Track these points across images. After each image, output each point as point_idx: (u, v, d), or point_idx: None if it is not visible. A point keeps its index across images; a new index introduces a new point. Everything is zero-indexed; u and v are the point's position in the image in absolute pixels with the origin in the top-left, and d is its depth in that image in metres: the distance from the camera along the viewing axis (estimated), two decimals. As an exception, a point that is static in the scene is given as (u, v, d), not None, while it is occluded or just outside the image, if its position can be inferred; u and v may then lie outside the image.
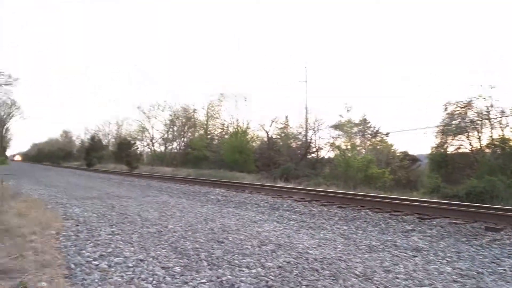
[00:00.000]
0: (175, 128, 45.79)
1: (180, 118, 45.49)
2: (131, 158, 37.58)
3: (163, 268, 3.58)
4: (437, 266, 3.89)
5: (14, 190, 10.91)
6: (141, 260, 3.81)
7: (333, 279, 3.36)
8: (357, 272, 3.60)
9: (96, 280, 3.09)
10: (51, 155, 73.87)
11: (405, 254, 4.39)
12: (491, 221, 5.79)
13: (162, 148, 47.24)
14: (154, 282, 3.15)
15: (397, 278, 3.47)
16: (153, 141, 47.77)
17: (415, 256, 4.31)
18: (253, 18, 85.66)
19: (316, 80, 54.40)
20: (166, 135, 46.19)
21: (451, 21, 58.53)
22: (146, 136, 48.39)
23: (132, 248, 4.32)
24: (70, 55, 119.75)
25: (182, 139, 45.00)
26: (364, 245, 4.84)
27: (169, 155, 44.55)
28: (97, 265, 3.56)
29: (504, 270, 3.79)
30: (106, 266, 3.53)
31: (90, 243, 4.51)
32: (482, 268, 3.83)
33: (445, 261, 4.12)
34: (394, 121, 55.21)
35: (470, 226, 5.79)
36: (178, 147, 45.36)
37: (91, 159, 46.07)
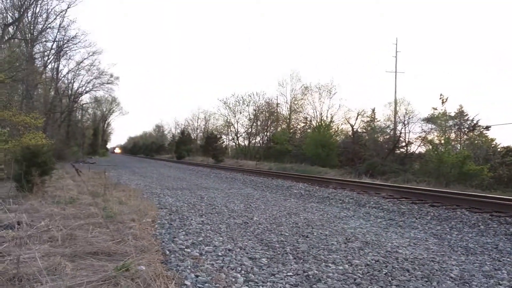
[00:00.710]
0: (259, 123, 46.62)
1: (263, 112, 46.22)
2: (217, 152, 39.10)
3: (250, 258, 3.67)
4: (548, 275, 3.49)
5: (114, 180, 11.96)
6: (229, 250, 3.96)
7: (425, 281, 3.18)
8: (453, 275, 3.36)
9: (189, 267, 3.27)
10: (145, 148, 79.65)
11: (509, 260, 4.00)
12: None
13: (246, 142, 48.46)
14: (242, 272, 3.25)
15: (500, 284, 3.19)
16: (238, 135, 49.19)
17: (521, 262, 3.91)
18: (340, 8, 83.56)
19: (408, 70, 51.33)
20: (250, 129, 47.27)
21: None
22: (231, 131, 49.98)
23: (221, 238, 4.49)
24: (165, 51, 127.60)
25: (265, 133, 45.70)
26: (460, 247, 4.51)
27: (253, 149, 45.52)
28: (189, 252, 3.77)
29: None
30: (197, 254, 3.72)
31: (182, 231, 4.79)
32: None
33: (558, 269, 3.68)
34: (497, 113, 50.33)
35: None
36: (261, 141, 46.19)
37: (181, 152, 48.80)
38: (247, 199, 8.39)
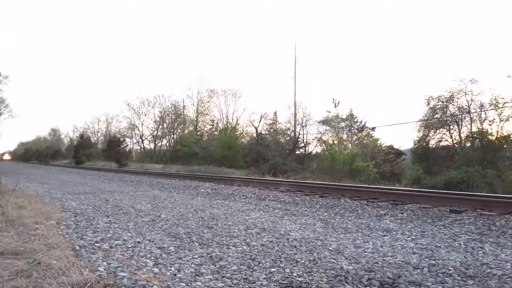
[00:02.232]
0: (165, 125, 46.01)
1: (170, 114, 45.73)
2: (121, 156, 37.81)
3: (159, 248, 4.02)
4: (402, 243, 4.40)
5: (10, 187, 11.20)
6: (138, 242, 4.25)
7: (308, 253, 3.85)
8: (331, 248, 4.09)
9: (101, 258, 3.52)
10: (39, 153, 73.39)
11: (376, 234, 4.90)
12: (456, 205, 6.37)
13: (152, 145, 47.46)
14: (152, 258, 3.60)
15: (365, 252, 3.98)
16: (143, 138, 47.96)
17: (384, 236, 4.82)
18: (241, 12, 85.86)
19: (306, 75, 54.84)
20: (156, 132, 46.40)
21: (433, 16, 59.49)
22: (135, 134, 48.54)
23: (130, 234, 4.75)
24: (59, 51, 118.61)
25: (172, 135, 45.27)
26: (341, 228, 5.34)
27: (159, 152, 44.78)
28: (100, 246, 3.99)
29: (459, 244, 4.32)
30: (107, 247, 3.96)
31: (90, 230, 4.93)
32: (440, 243, 4.36)
33: (410, 238, 4.64)
34: (381, 115, 56.09)
35: (437, 209, 6.36)
36: (168, 144, 45.65)
37: (80, 157, 46.11)
38: (154, 200, 8.59)
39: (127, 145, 46.79)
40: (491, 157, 17.22)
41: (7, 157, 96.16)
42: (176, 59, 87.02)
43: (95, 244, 4.09)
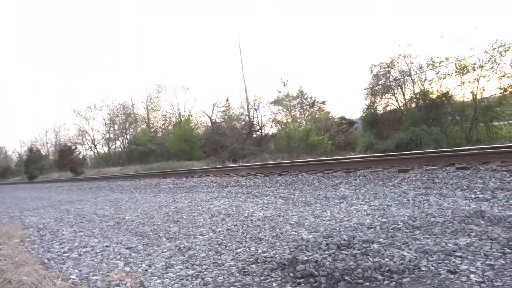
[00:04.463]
0: (116, 127, 44.85)
1: (119, 115, 44.58)
2: (75, 164, 36.60)
3: (128, 248, 4.11)
4: (357, 207, 4.75)
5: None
6: (107, 246, 4.32)
7: (271, 230, 4.09)
8: (292, 222, 4.36)
9: (71, 266, 3.57)
10: (-15, 174, 69.29)
11: (333, 203, 5.23)
12: (404, 165, 6.87)
13: (106, 149, 46.20)
14: (122, 258, 3.70)
15: (323, 220, 4.28)
16: (95, 143, 46.51)
17: (341, 203, 5.16)
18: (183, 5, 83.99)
19: (252, 60, 54.99)
20: (107, 135, 45.15)
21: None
22: (87, 139, 46.96)
23: (96, 240, 4.79)
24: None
25: (125, 136, 44.24)
26: (301, 202, 5.64)
27: (114, 155, 43.70)
28: (68, 256, 4.02)
29: (408, 200, 4.73)
30: (76, 255, 4.00)
31: (55, 242, 4.91)
32: (391, 202, 4.75)
33: (364, 202, 5.01)
34: (329, 88, 57.38)
35: (387, 171, 6.82)
36: (122, 145, 44.59)
37: (32, 171, 44.13)
38: (116, 203, 8.54)
39: (80, 152, 45.27)
40: (434, 114, 18.29)
41: None
42: (118, 59, 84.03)
43: (63, 254, 4.12)
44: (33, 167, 45.58)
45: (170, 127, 36.00)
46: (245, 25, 66.53)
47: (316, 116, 27.36)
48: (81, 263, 3.67)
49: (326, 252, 3.08)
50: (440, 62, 19.25)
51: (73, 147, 44.08)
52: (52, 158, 51.10)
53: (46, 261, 3.89)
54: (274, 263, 3.01)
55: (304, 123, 25.07)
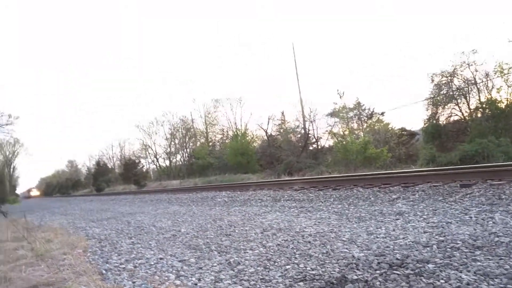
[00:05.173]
0: (177, 141, 46.55)
1: (180, 130, 46.26)
2: (138, 177, 38.37)
3: (180, 261, 4.21)
4: (414, 224, 4.51)
5: (35, 223, 11.58)
6: (161, 258, 4.45)
7: (322, 246, 3.99)
8: (344, 238, 4.22)
9: (126, 278, 3.72)
10: (59, 186, 74.74)
11: (389, 219, 5.01)
12: (466, 179, 6.43)
13: (167, 162, 48.02)
14: (174, 271, 3.79)
15: (377, 237, 4.10)
16: (157, 156, 48.56)
17: (397, 219, 4.93)
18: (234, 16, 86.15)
19: (307, 70, 54.82)
20: (168, 149, 46.96)
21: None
22: (149, 153, 49.19)
23: (152, 252, 4.95)
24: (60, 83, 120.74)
25: (185, 150, 45.74)
26: (355, 217, 5.46)
27: (175, 168, 45.28)
28: (124, 267, 4.20)
29: (470, 217, 4.41)
30: (132, 267, 4.16)
31: (114, 253, 5.15)
32: (451, 219, 4.45)
33: (422, 218, 4.75)
34: (389, 99, 55.55)
35: (448, 186, 6.42)
36: (182, 159, 46.11)
37: (100, 184, 46.93)
38: (174, 215, 8.81)
39: (143, 166, 47.50)
40: (503, 125, 17.03)
41: (36, 193, 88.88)
42: (175, 75, 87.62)
43: (120, 265, 4.30)
44: (100, 179, 48.49)
45: (227, 141, 36.69)
46: (298, 31, 66.60)
47: (375, 128, 26.56)
48: (136, 274, 3.80)
49: (377, 272, 2.95)
50: (509, 68, 17.98)
51: (137, 160, 46.41)
52: (118, 171, 54.06)
53: (103, 271, 4.08)
54: (322, 281, 2.93)
55: (362, 135, 24.43)
